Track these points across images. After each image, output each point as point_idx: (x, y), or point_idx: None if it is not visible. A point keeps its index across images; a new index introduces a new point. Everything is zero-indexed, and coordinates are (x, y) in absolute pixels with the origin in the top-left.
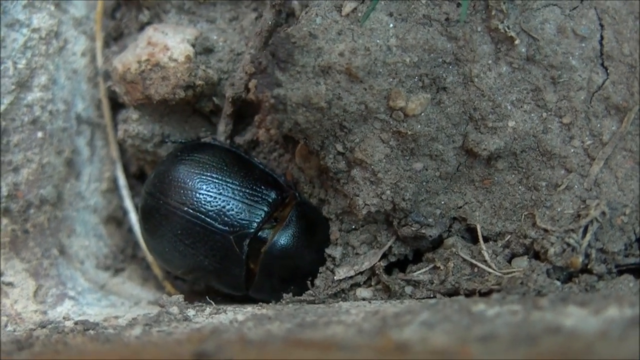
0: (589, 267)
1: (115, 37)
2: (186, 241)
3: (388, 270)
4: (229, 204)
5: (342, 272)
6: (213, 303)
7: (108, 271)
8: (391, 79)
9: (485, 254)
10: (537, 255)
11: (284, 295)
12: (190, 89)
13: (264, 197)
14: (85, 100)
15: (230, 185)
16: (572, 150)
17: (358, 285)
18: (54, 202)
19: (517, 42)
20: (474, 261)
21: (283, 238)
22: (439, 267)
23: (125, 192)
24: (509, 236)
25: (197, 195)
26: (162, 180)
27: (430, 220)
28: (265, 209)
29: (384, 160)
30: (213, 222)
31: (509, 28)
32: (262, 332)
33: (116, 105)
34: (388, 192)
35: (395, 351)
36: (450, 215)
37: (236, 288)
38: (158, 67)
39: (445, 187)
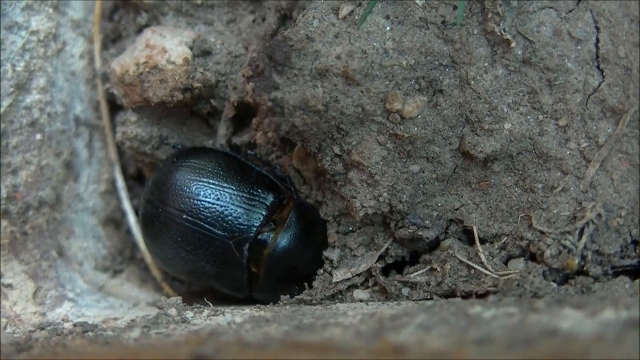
0: (585, 268)
1: (114, 39)
2: (187, 248)
3: (385, 271)
4: (227, 210)
5: (339, 274)
6: (211, 305)
7: (107, 272)
8: (388, 82)
9: (482, 256)
10: (533, 257)
11: (282, 296)
12: (188, 91)
13: (261, 200)
14: (84, 102)
15: (228, 191)
16: (568, 153)
17: (355, 286)
18: (53, 204)
19: (513, 44)
20: (470, 263)
21: (285, 240)
22: (436, 269)
23: (123, 194)
24: (506, 238)
25: (195, 202)
26: (159, 187)
27: (427, 222)
28: (264, 212)
29: (381, 163)
30: (212, 229)
31: (505, 31)
32: (260, 334)
33: (114, 107)
34: (385, 194)
35: (392, 354)
36: (447, 217)
37: (239, 290)
38: (156, 70)
39: (441, 189)
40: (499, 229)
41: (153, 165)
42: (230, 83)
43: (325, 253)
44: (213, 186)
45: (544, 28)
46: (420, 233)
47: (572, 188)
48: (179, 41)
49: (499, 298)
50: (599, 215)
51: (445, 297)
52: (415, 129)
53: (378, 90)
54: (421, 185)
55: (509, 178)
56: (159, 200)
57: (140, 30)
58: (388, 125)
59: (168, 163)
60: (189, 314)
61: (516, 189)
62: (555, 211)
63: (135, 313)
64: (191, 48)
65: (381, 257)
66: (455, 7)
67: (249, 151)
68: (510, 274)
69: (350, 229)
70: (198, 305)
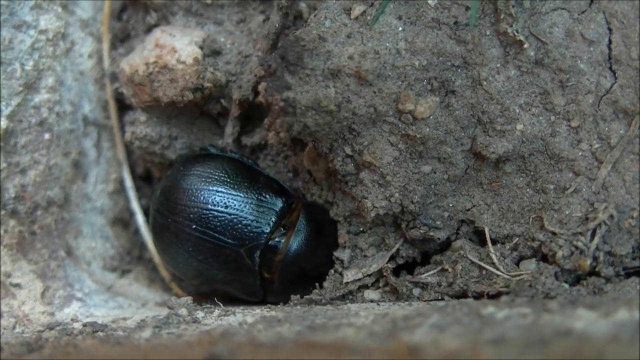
0: (596, 269)
1: (122, 39)
2: (199, 257)
3: (396, 272)
4: (236, 218)
5: (350, 275)
6: (221, 305)
7: (115, 272)
8: (400, 82)
9: (494, 257)
10: (545, 258)
11: (292, 296)
12: (199, 91)
13: (270, 206)
14: (92, 101)
15: (236, 198)
16: (580, 154)
17: (366, 287)
18: (61, 204)
19: (525, 45)
20: (482, 264)
21: (296, 244)
22: (447, 270)
23: (131, 194)
24: (517, 239)
25: (204, 211)
26: (168, 197)
27: (438, 222)
28: (273, 218)
29: (393, 163)
30: (222, 237)
31: (517, 32)
32: (273, 334)
33: (123, 107)
34: (396, 194)
35: (407, 354)
36: (458, 218)
37: (254, 295)
38: (166, 69)
39: (453, 189)
40: (510, 230)
41: (162, 165)
42: (237, 82)
43: (336, 253)
44: (221, 194)
45: (557, 29)
46: (431, 234)
47: (584, 189)
48: (189, 41)
49: (511, 299)
50: (611, 216)
51: (456, 297)
52: (427, 129)
53: (390, 91)
54: (433, 186)
55: (521, 179)
56: (168, 210)
57: (149, 29)
58: (400, 125)
59: (175, 171)
60: (200, 314)
61: (528, 189)
62: (567, 212)
63: (144, 313)
64: (201, 48)
65: (392, 258)
66: (467, 8)
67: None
68: (522, 274)
69: (361, 229)
70: (208, 305)
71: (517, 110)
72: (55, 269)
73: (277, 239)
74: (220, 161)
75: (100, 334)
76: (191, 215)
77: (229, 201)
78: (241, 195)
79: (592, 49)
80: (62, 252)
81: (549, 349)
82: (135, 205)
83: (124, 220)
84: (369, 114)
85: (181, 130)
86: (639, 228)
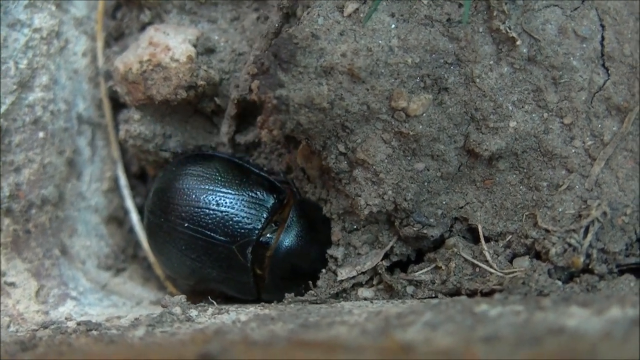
0: (590, 267)
1: (116, 37)
2: (192, 256)
3: (390, 270)
4: (227, 215)
5: (344, 273)
6: (215, 303)
7: (109, 271)
8: (393, 80)
9: (487, 254)
10: (538, 256)
11: (286, 295)
12: (192, 89)
13: (261, 203)
14: (86, 100)
15: (227, 196)
16: (573, 151)
17: (360, 285)
18: (56, 202)
19: (518, 42)
20: (475, 261)
21: (286, 240)
22: (441, 267)
23: (126, 192)
24: (510, 236)
25: (196, 210)
26: (160, 198)
27: (431, 220)
28: (265, 215)
29: (386, 161)
30: (214, 235)
31: (510, 29)
32: (266, 332)
33: (117, 105)
34: (390, 192)
35: (400, 352)
36: (451, 216)
37: (247, 294)
38: (160, 68)
39: (446, 187)
40: (504, 227)
41: (156, 163)
42: (234, 81)
43: (330, 251)
44: (212, 192)
45: (549, 26)
46: (425, 231)
47: (577, 186)
48: (182, 39)
49: (504, 296)
50: (604, 213)
51: (450, 295)
52: (420, 127)
53: (383, 88)
54: (426, 184)
55: (514, 176)
56: (161, 210)
57: (143, 28)
58: (393, 123)
59: (167, 172)
60: (194, 313)
61: (521, 187)
62: (560, 209)
63: (138, 311)
64: (195, 46)
65: (386, 256)
66: (460, 5)
67: (250, 160)
68: (516, 272)
69: (355, 227)
70: (202, 304)
71: (510, 108)
72: (50, 267)
73: (268, 235)
74: (211, 160)
75: (94, 332)
76: (183, 214)
77: (220, 199)
78: (232, 192)
79: (584, 45)
80: (57, 251)
81: (542, 346)
82: (129, 204)
83: (118, 219)
84: (362, 112)
85: (175, 129)
86: (633, 225)
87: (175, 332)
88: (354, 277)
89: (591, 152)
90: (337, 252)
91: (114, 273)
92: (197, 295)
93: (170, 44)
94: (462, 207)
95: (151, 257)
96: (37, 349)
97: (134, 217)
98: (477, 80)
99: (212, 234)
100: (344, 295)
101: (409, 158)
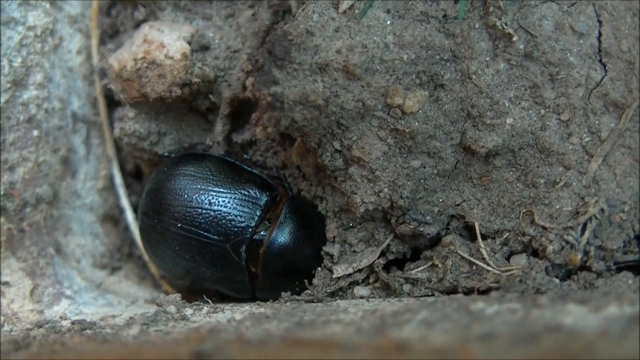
0: (587, 264)
1: (111, 35)
2: (186, 256)
3: (386, 268)
4: (220, 214)
5: (340, 270)
6: (210, 302)
7: (104, 270)
8: (388, 76)
9: (484, 252)
10: (535, 253)
11: (282, 294)
12: (187, 86)
13: (254, 201)
14: (81, 98)
15: (220, 195)
16: (570, 147)
17: (356, 283)
18: (50, 201)
19: (515, 38)
20: (472, 259)
21: (279, 236)
22: (437, 265)
23: (121, 191)
24: (508, 234)
25: (188, 210)
26: (153, 199)
27: (428, 218)
28: (258, 213)
29: (382, 158)
30: (207, 234)
31: (506, 25)
32: (261, 331)
33: (112, 103)
34: (386, 190)
35: (395, 350)
36: (448, 213)
37: (243, 292)
38: (154, 65)
39: (443, 184)
40: (500, 225)
41: (151, 161)
42: (228, 79)
43: (325, 248)
44: (204, 192)
45: (546, 22)
46: (421, 229)
47: (574, 183)
48: (177, 36)
49: (501, 294)
50: (602, 210)
51: (446, 293)
52: (416, 123)
53: (379, 85)
54: (422, 181)
55: (511, 173)
56: (154, 211)
57: (137, 25)
58: (389, 120)
59: (159, 173)
60: (188, 312)
61: (518, 184)
62: (557, 206)
63: (133, 310)
64: (189, 43)
65: (382, 254)
66: (456, 1)
67: (245, 155)
68: (513, 270)
69: (351, 224)
70: (197, 303)
71: (507, 104)
72: (45, 266)
73: (262, 233)
74: (203, 160)
75: (89, 331)
76: (176, 214)
77: (212, 198)
78: (224, 191)
79: (581, 41)
80: (51, 250)
81: (538, 344)
82: (125, 202)
83: (113, 217)
84: (357, 109)
85: (170, 126)
86: (630, 222)
87: (170, 331)
88: (350, 275)
89: (588, 149)
90: (332, 249)
91: (109, 272)
92: (193, 294)
93: (164, 41)
94: (458, 205)
95: (146, 256)
96: (31, 348)
97: (129, 215)
98: (474, 76)
99: (205, 234)
100: (340, 293)
101: (405, 155)
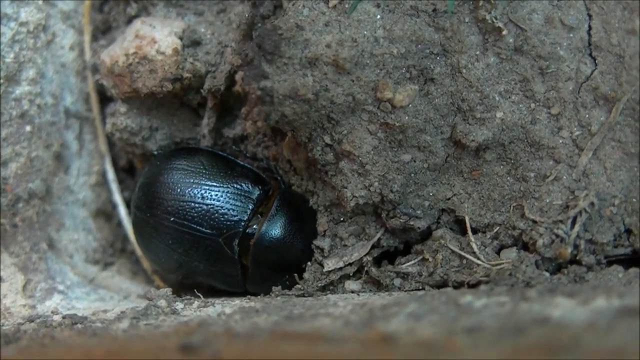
0: (578, 258)
1: (104, 31)
2: (179, 250)
3: (377, 262)
4: (213, 208)
5: (330, 264)
6: (201, 296)
7: (97, 265)
8: (378, 71)
9: (474, 246)
10: (525, 247)
11: (273, 288)
12: (178, 81)
13: (247, 194)
14: (74, 93)
15: (212, 189)
16: (560, 141)
17: (347, 277)
18: (43, 196)
19: (504, 32)
20: (462, 253)
21: (269, 229)
22: (428, 259)
23: (114, 186)
24: (498, 227)
25: (181, 203)
26: (145, 193)
27: (418, 212)
28: (250, 206)
29: (372, 152)
30: (200, 228)
31: (496, 19)
32: (249, 324)
33: (104, 99)
34: (376, 183)
35: (381, 343)
36: (438, 207)
37: (235, 286)
38: (146, 60)
39: (433, 178)
40: (491, 219)
41: (144, 156)
42: (214, 73)
43: (316, 242)
44: (197, 186)
45: (536, 16)
46: (411, 223)
47: (564, 177)
48: (168, 32)
49: (490, 287)
50: (592, 204)
51: (437, 287)
52: (407, 118)
53: (369, 79)
54: (412, 175)
55: (501, 167)
56: (147, 205)
57: (130, 21)
58: (379, 114)
59: (151, 167)
60: (179, 306)
61: (508, 178)
62: (547, 200)
63: (125, 305)
64: (181, 38)
65: (373, 248)
66: None
67: (234, 147)
68: (503, 263)
69: (341, 218)
70: (188, 297)
71: (497, 98)
72: (37, 261)
73: (254, 227)
74: (195, 153)
75: (79, 326)
76: (169, 209)
77: (205, 192)
78: (217, 185)
79: (571, 35)
80: (44, 245)
81: (525, 336)
82: (117, 198)
83: (106, 213)
84: (347, 103)
85: (161, 122)
86: (620, 216)
87: (160, 325)
88: (340, 269)
89: (579, 143)
90: (323, 242)
91: (101, 267)
92: (185, 288)
93: (156, 36)
94: (449, 199)
95: (139, 251)
96: (21, 342)
97: (122, 211)
98: (464, 70)
99: (198, 228)
100: (331, 287)
101: (395, 149)
